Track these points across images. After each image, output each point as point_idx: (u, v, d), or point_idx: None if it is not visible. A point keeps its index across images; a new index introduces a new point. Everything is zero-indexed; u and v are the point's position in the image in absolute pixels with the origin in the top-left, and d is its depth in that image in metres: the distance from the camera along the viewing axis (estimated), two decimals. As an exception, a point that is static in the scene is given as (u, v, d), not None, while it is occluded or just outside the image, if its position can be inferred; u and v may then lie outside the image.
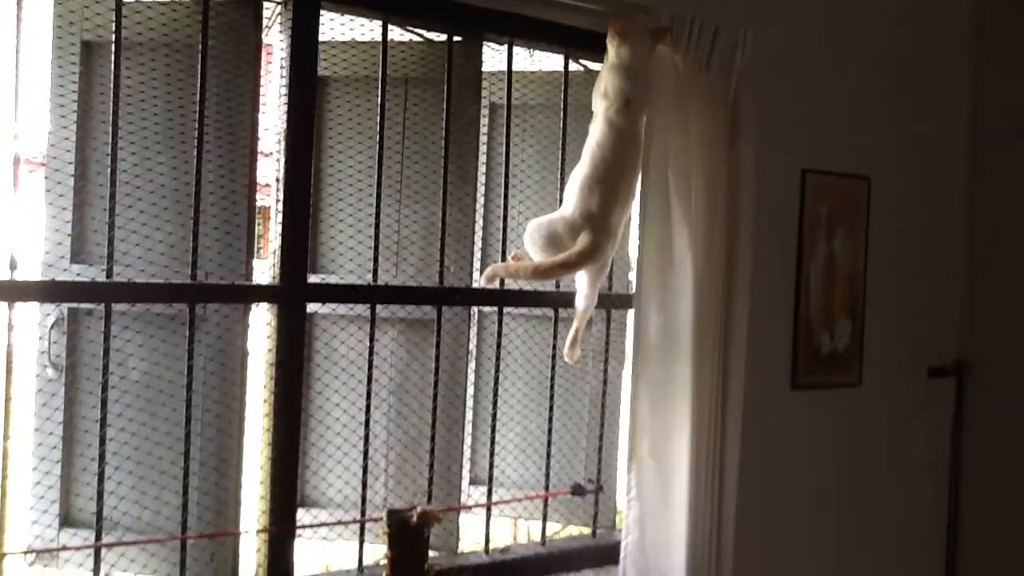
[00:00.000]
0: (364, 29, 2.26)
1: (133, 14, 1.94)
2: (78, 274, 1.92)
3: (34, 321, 1.97)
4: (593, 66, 2.44)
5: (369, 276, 2.17)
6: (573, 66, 2.44)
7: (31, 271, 1.91)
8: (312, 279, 2.21)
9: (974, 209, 3.28)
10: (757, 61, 2.49)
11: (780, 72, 2.67)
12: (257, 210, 2.12)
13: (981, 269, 3.26)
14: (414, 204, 2.29)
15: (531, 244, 2.15)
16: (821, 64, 2.85)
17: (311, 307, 2.13)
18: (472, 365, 2.51)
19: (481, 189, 2.49)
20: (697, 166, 2.34)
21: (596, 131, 2.18)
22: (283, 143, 2.00)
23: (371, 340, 2.15)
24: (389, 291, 2.15)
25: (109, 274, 1.86)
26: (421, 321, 2.27)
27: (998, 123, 3.24)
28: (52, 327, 1.96)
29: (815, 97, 2.84)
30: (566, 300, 2.38)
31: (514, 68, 2.42)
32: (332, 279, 2.22)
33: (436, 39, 2.30)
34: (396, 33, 2.27)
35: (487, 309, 2.44)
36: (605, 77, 2.19)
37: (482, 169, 2.50)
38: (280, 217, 1.98)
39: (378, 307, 2.20)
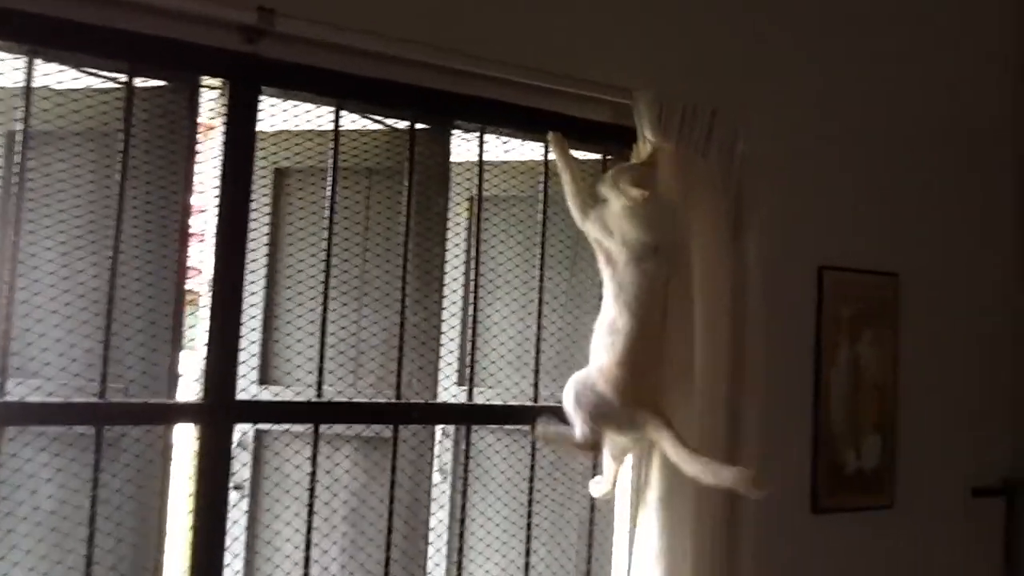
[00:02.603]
0: (326, 119, 2.06)
1: (55, 106, 1.77)
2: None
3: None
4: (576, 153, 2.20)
5: (328, 388, 1.92)
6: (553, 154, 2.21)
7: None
8: (259, 392, 1.98)
9: (1021, 308, 2.96)
10: (762, 146, 2.25)
11: (790, 158, 2.42)
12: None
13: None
14: (375, 309, 2.05)
15: (574, 412, 1.90)
16: (837, 149, 2.60)
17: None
18: (446, 486, 2.24)
19: (460, 291, 2.25)
20: (698, 265, 2.08)
21: (624, 281, 1.92)
22: (214, 242, 1.79)
23: (313, 464, 1.88)
24: (334, 408, 1.89)
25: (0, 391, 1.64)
26: (379, 439, 2.01)
27: None
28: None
29: (831, 185, 2.59)
30: (545, 416, 2.11)
31: (493, 158, 2.20)
32: (284, 393, 1.98)
33: (401, 127, 2.09)
34: (359, 122, 2.07)
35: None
36: (618, 224, 1.94)
37: (462, 269, 2.26)
38: (206, 326, 1.75)
39: (333, 424, 1.95)
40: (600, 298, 1.99)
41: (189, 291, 1.85)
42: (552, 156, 2.07)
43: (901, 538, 2.65)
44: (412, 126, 2.02)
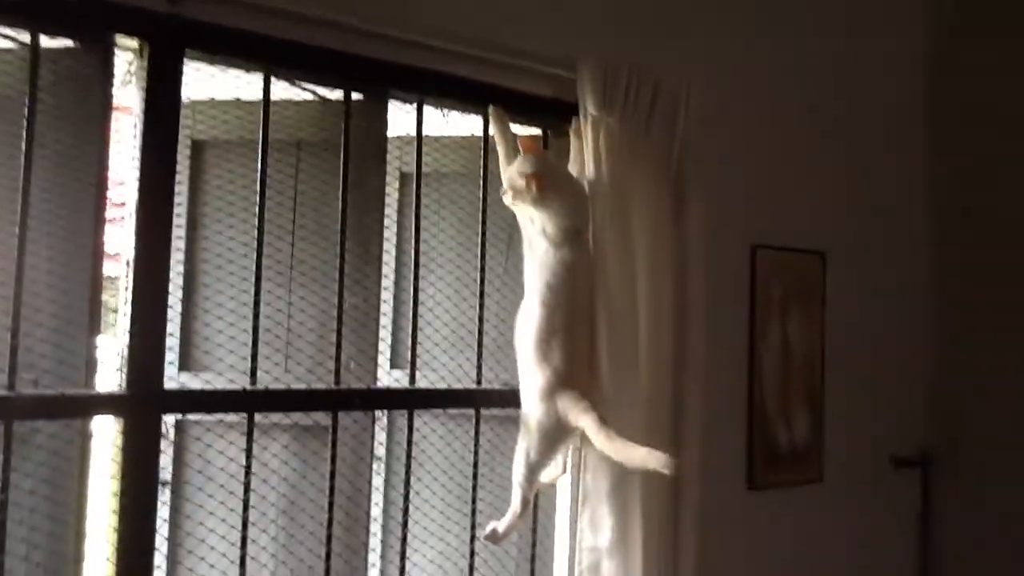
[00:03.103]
0: (251, 87, 1.92)
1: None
2: None
3: None
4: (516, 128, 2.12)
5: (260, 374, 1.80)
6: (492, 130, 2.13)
7: None
8: (183, 379, 1.84)
9: (936, 289, 3.04)
10: (697, 125, 2.21)
11: (723, 139, 2.39)
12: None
13: (946, 352, 3.01)
14: (308, 289, 1.92)
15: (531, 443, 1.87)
16: (767, 130, 2.60)
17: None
18: (380, 474, 2.14)
19: (391, 272, 2.14)
20: (641, 247, 2.03)
21: (544, 269, 1.86)
22: (134, 219, 1.64)
23: (248, 455, 1.76)
24: (270, 396, 1.77)
25: None
26: (317, 428, 1.89)
27: (956, 197, 3.03)
28: None
29: (763, 166, 2.58)
30: (488, 399, 2.03)
31: (427, 132, 2.10)
32: (207, 379, 1.84)
33: (334, 98, 1.97)
34: (288, 91, 1.94)
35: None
36: (537, 214, 1.87)
37: (393, 251, 2.16)
38: (128, 310, 1.60)
39: (269, 413, 1.83)
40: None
41: (108, 277, 1.69)
42: (492, 131, 1.99)
43: (830, 510, 2.69)
44: (347, 95, 1.91)
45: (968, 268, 2.99)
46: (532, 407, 1.86)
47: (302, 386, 1.82)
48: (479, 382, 2.04)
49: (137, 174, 1.65)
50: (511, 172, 1.87)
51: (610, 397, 1.91)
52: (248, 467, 1.75)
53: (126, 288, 1.61)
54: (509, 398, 1.99)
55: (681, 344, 2.15)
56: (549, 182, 1.83)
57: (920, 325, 3.02)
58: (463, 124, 2.20)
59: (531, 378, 1.86)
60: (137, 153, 1.65)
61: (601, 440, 1.79)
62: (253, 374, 1.77)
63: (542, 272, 1.86)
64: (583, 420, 1.82)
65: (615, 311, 1.95)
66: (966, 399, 2.98)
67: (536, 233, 1.87)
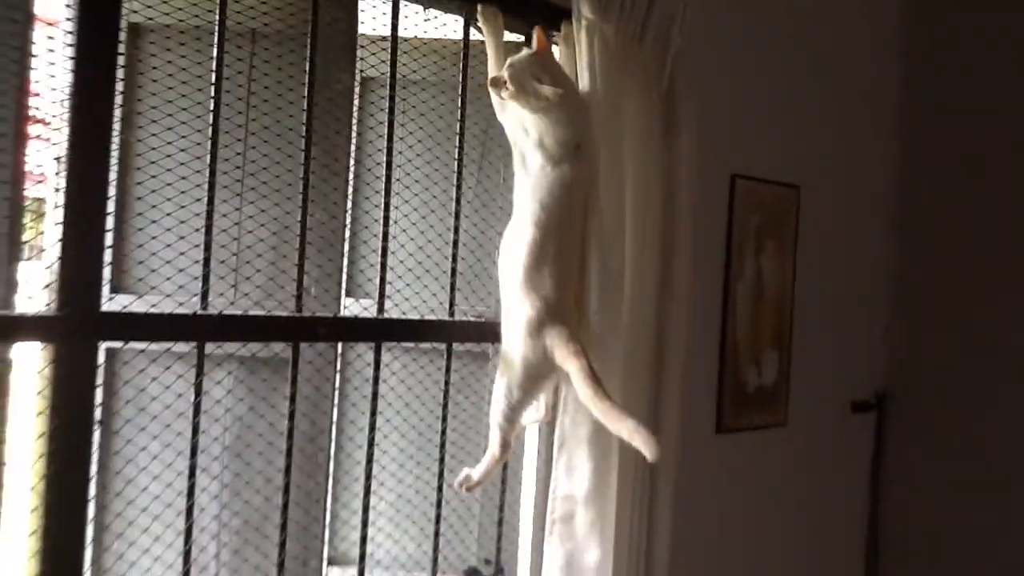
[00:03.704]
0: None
1: None
2: None
3: None
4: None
5: (197, 298, 1.55)
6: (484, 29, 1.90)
7: None
8: (114, 303, 1.59)
9: (897, 233, 2.98)
10: (686, 43, 2.03)
11: (710, 63, 2.22)
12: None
13: (904, 295, 2.97)
14: (262, 201, 1.69)
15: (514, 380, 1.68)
16: (751, 57, 2.44)
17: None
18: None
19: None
20: (630, 166, 1.86)
21: (538, 188, 1.66)
22: (67, 117, 1.37)
23: (197, 393, 1.53)
24: (225, 324, 1.54)
25: None
26: (269, 360, 1.68)
27: (928, 155, 2.95)
28: None
29: (746, 94, 2.43)
30: (462, 332, 1.84)
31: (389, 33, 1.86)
32: (144, 302, 1.59)
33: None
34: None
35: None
36: (534, 123, 1.67)
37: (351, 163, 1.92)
38: (59, 220, 1.34)
39: (224, 343, 1.60)
40: (509, 201, 1.74)
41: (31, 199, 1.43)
42: (485, 32, 1.77)
43: (792, 455, 2.62)
44: (314, -21, 1.65)
45: (929, 213, 2.95)
46: (516, 340, 1.68)
47: (260, 312, 1.59)
48: (452, 313, 1.84)
49: (71, 64, 1.37)
50: (517, 69, 1.65)
51: (596, 334, 1.74)
52: (197, 406, 1.53)
53: (57, 189, 1.35)
54: (485, 331, 1.81)
55: (666, 276, 2.00)
56: (560, 86, 1.63)
57: (881, 266, 2.96)
58: (432, 26, 1.97)
59: (517, 309, 1.68)
60: (69, 38, 1.37)
61: (588, 393, 1.62)
62: (204, 297, 1.53)
63: (536, 191, 1.67)
64: (570, 364, 1.65)
65: (605, 237, 1.77)
66: (922, 341, 2.95)
67: (531, 147, 1.67)
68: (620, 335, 1.84)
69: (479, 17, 1.72)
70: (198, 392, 1.52)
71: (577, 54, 1.83)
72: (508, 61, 1.66)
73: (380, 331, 1.72)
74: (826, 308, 2.73)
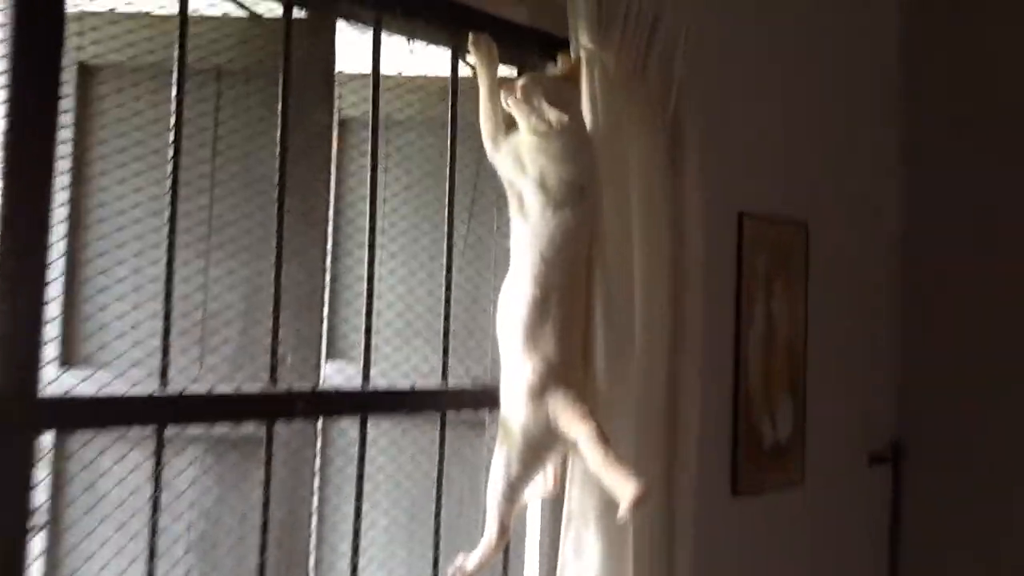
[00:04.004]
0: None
1: None
2: None
3: None
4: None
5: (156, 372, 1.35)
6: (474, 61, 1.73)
7: None
8: (66, 380, 1.38)
9: (907, 266, 2.83)
10: (690, 73, 1.88)
11: (711, 95, 2.06)
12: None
13: (915, 336, 2.81)
14: (230, 260, 1.49)
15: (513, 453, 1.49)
16: (757, 87, 2.29)
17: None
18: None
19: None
20: (637, 208, 1.68)
21: (538, 237, 1.50)
22: (2, 164, 1.18)
23: (156, 483, 1.32)
24: (187, 404, 1.33)
25: None
26: (240, 441, 1.47)
27: (935, 192, 2.82)
28: None
29: (749, 127, 2.27)
30: (458, 400, 1.65)
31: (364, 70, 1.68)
32: (100, 380, 1.38)
33: (267, 15, 1.53)
34: (205, 3, 1.50)
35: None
36: (534, 158, 1.51)
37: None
38: (-12, 288, 1.14)
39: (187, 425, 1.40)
40: (503, 251, 1.56)
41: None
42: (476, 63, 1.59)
43: (810, 515, 2.44)
44: (287, 11, 1.47)
45: (939, 260, 2.80)
46: (516, 407, 1.49)
47: (228, 389, 1.38)
48: (445, 378, 1.65)
49: (6, 109, 1.18)
50: (533, 79, 1.54)
51: (605, 395, 1.56)
52: (156, 500, 1.31)
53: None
54: (482, 397, 1.62)
55: (678, 327, 1.82)
56: (575, 118, 1.50)
57: (890, 307, 2.80)
58: (417, 61, 1.79)
59: (517, 371, 1.49)
60: (6, 80, 1.18)
61: (598, 460, 1.44)
62: (163, 374, 1.33)
63: (535, 240, 1.49)
64: (578, 429, 1.46)
65: (613, 287, 1.59)
66: (937, 386, 2.79)
67: (530, 188, 1.50)
68: (631, 392, 1.65)
69: (470, 47, 1.55)
70: (157, 484, 1.31)
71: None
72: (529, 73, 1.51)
73: (366, 404, 1.51)
74: (840, 353, 2.57)
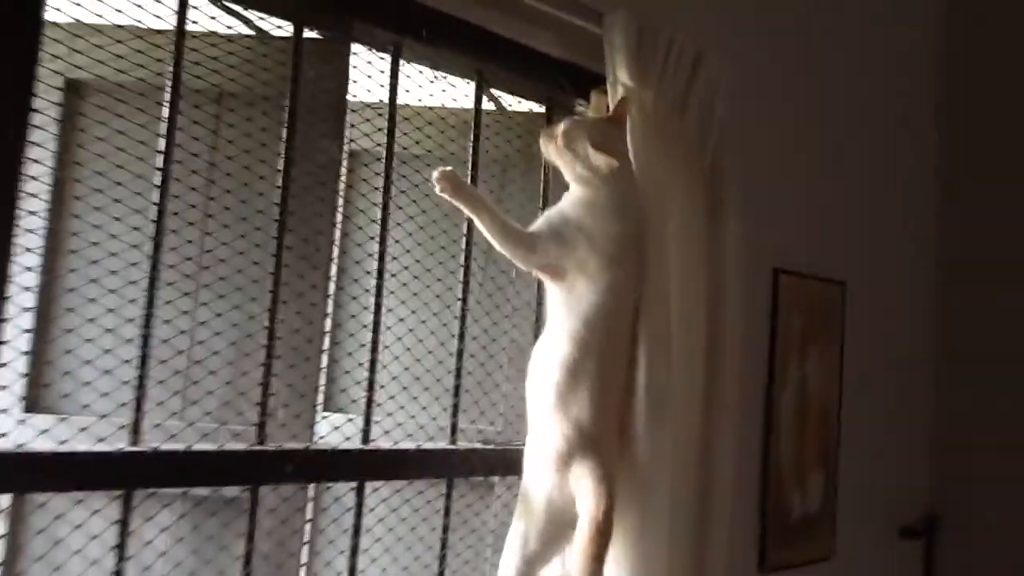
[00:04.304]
0: (156, 8, 1.33)
1: None
2: None
3: None
4: (513, 102, 1.60)
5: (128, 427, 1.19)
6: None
7: None
8: (31, 426, 1.23)
9: (941, 330, 2.67)
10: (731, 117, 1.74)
11: (748, 140, 1.92)
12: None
13: (950, 403, 2.63)
14: (220, 302, 1.34)
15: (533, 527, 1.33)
16: (790, 137, 2.15)
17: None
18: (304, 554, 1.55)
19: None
20: (675, 260, 1.53)
21: (579, 296, 1.34)
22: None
23: (120, 556, 1.15)
24: (161, 463, 1.16)
25: None
26: (220, 506, 1.31)
27: (966, 252, 2.67)
28: None
29: (787, 178, 2.13)
30: (466, 463, 1.48)
31: (380, 99, 1.54)
32: (62, 435, 1.23)
33: (275, 32, 1.40)
34: (209, 17, 1.36)
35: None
36: (580, 217, 1.37)
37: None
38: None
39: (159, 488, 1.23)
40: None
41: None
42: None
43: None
44: (298, 30, 1.33)
45: (973, 320, 2.64)
46: (542, 476, 1.33)
47: (209, 446, 1.22)
48: (454, 440, 1.48)
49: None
50: (576, 123, 1.40)
51: (643, 469, 1.39)
52: (119, 572, 1.15)
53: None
54: (494, 462, 1.46)
55: (714, 389, 1.65)
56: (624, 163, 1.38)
57: (924, 374, 2.63)
58: (437, 90, 1.66)
59: (544, 436, 1.33)
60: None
61: (584, 561, 1.28)
62: (136, 429, 1.17)
63: (579, 301, 1.34)
64: (585, 504, 1.30)
65: (655, 350, 1.43)
66: (971, 455, 2.60)
67: (584, 251, 1.35)
68: (666, 464, 1.48)
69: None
70: (121, 555, 1.15)
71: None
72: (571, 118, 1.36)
73: (365, 466, 1.34)
74: (875, 422, 2.39)
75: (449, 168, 1.33)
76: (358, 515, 1.34)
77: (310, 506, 1.42)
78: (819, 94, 2.26)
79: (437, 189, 1.33)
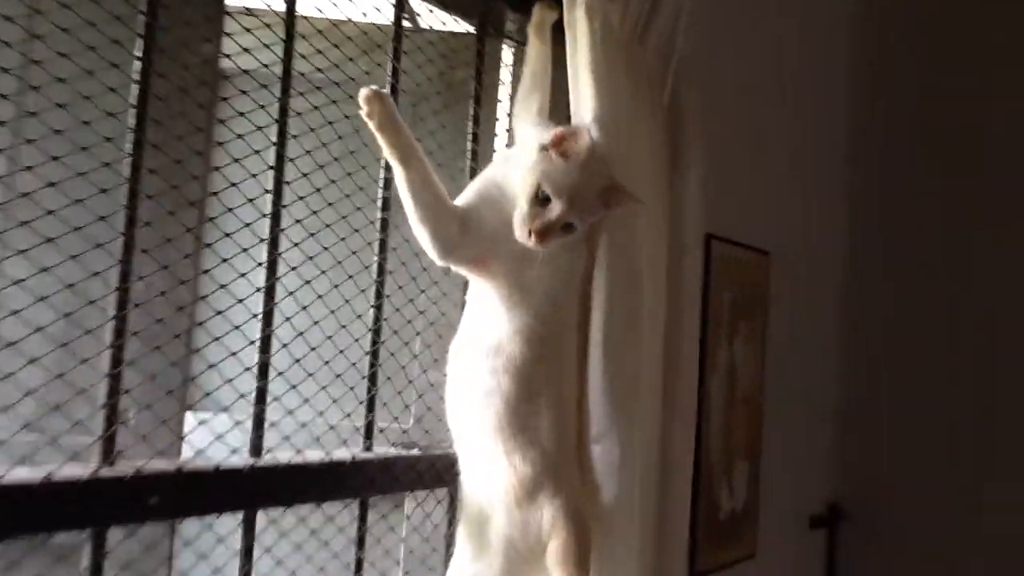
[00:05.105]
0: None
1: None
2: None
3: None
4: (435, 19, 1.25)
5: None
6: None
7: None
8: None
9: (851, 309, 2.53)
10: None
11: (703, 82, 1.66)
12: None
13: (855, 392, 2.50)
14: (44, 249, 0.93)
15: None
16: (733, 98, 1.92)
17: None
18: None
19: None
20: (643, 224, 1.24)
21: (529, 289, 1.06)
22: None
23: None
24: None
25: None
26: (51, 552, 0.90)
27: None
28: None
29: (726, 139, 1.89)
30: (386, 476, 1.13)
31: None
32: None
33: None
34: None
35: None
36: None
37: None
38: None
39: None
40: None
41: None
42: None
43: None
44: None
45: (881, 310, 2.51)
46: (494, 512, 1.01)
47: (29, 474, 0.82)
48: (369, 446, 1.13)
49: None
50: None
51: (611, 484, 1.10)
52: None
53: None
54: (424, 472, 1.12)
55: (671, 380, 1.39)
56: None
57: (833, 360, 2.49)
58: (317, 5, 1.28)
59: (495, 468, 1.01)
60: None
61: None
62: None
63: (537, 279, 1.02)
64: (556, 538, 1.01)
65: (625, 337, 1.14)
66: (874, 445, 2.49)
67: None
68: (634, 475, 1.21)
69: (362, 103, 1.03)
70: None
71: (569, 48, 1.20)
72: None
73: (255, 490, 0.97)
74: (794, 408, 2.22)
75: (384, 90, 0.98)
76: (247, 556, 0.96)
77: (170, 542, 1.03)
78: (763, 64, 2.05)
79: (363, 112, 0.98)
